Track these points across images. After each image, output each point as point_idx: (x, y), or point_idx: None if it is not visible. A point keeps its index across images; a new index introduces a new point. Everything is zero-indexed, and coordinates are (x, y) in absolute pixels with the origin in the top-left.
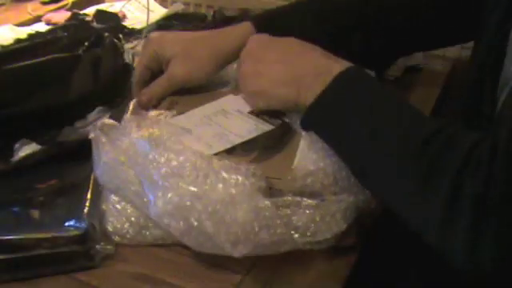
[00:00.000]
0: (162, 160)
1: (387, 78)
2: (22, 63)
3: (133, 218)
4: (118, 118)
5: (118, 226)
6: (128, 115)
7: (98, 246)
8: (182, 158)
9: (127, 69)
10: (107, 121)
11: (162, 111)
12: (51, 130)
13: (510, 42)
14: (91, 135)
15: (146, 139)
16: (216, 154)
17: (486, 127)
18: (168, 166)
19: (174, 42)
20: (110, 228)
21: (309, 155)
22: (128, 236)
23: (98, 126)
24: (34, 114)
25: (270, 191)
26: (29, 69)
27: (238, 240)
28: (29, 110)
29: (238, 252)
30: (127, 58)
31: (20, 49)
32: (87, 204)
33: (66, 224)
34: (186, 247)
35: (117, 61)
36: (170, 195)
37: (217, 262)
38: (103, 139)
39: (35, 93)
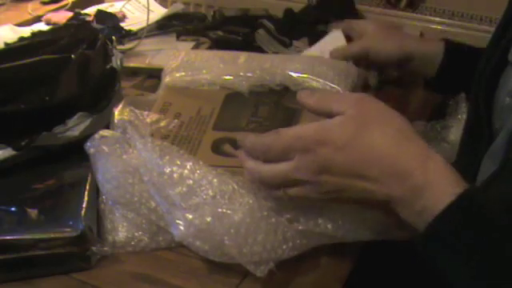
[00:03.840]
0: (176, 176)
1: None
2: (10, 64)
3: (144, 226)
4: (99, 124)
5: (130, 235)
6: (116, 121)
7: (94, 248)
8: (196, 176)
9: (113, 74)
10: (104, 132)
11: (160, 115)
12: (29, 134)
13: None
14: (91, 150)
15: (156, 154)
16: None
17: (486, 132)
18: (183, 185)
19: None
20: (121, 239)
21: None
22: (142, 244)
23: (97, 139)
24: (15, 117)
25: None
26: (15, 70)
27: (261, 260)
28: (11, 112)
29: (260, 272)
30: (115, 62)
31: (16, 48)
32: (84, 205)
33: (63, 225)
34: (186, 247)
35: (105, 65)
36: (190, 217)
37: (217, 262)
38: (107, 152)
39: (20, 94)
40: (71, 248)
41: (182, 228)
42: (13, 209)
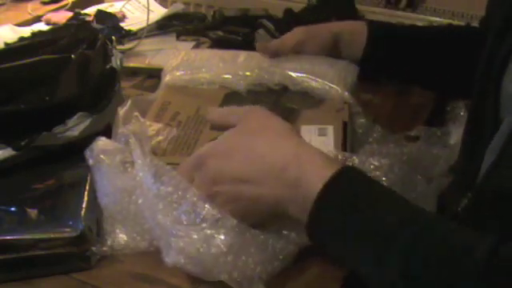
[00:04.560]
0: (168, 201)
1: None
2: (10, 64)
3: (146, 235)
4: (99, 124)
5: (130, 239)
6: (121, 124)
7: (93, 248)
8: (188, 201)
9: (113, 74)
10: (103, 143)
11: (161, 126)
12: (29, 134)
13: None
14: (90, 161)
15: (152, 177)
16: None
17: (489, 125)
18: (175, 211)
19: None
20: (120, 241)
21: None
22: (141, 246)
23: (96, 151)
24: (15, 117)
25: None
26: (15, 70)
27: (252, 281)
28: (11, 112)
29: None
30: (114, 62)
31: (16, 48)
32: (84, 205)
33: (63, 225)
34: None
35: (104, 65)
36: (181, 245)
37: None
38: (107, 165)
39: (20, 94)
40: (71, 248)
41: (172, 255)
42: (13, 209)
